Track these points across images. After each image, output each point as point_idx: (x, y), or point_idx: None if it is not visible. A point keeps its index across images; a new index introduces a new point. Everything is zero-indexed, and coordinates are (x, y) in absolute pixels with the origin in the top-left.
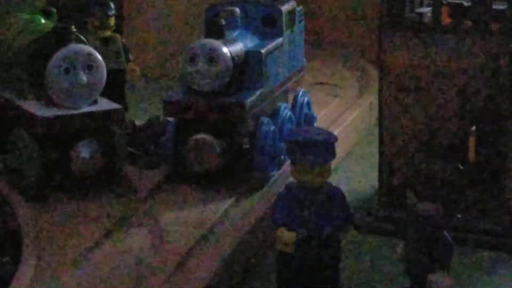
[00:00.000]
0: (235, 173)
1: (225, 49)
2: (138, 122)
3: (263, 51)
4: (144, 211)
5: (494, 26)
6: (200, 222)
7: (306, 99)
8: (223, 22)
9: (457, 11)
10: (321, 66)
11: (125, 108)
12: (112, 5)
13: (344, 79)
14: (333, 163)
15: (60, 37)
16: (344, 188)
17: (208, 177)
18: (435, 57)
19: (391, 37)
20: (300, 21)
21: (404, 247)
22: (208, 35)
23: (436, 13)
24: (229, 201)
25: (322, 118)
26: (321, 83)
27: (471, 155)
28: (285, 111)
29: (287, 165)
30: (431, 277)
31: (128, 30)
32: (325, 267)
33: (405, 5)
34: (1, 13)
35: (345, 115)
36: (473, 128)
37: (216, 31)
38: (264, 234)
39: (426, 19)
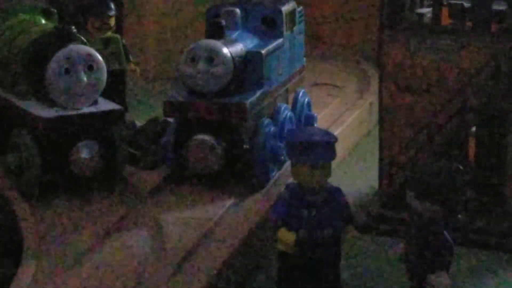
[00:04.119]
0: (236, 173)
1: (225, 50)
2: (138, 123)
3: (263, 51)
4: (144, 211)
5: (494, 27)
6: (200, 222)
7: (306, 99)
8: (223, 22)
9: (457, 12)
10: (321, 67)
11: (125, 109)
12: (112, 6)
13: (344, 79)
14: (333, 163)
15: (60, 38)
16: (344, 188)
17: (208, 178)
18: (435, 57)
19: (391, 37)
20: (300, 22)
21: (404, 247)
22: (209, 35)
23: (436, 14)
24: (229, 201)
25: (322, 118)
26: (321, 84)
27: (471, 155)
28: (286, 111)
29: (287, 165)
30: (431, 277)
31: (128, 30)
32: (325, 267)
33: (405, 6)
34: (1, 14)
35: (345, 116)
36: (473, 128)
37: (216, 31)
38: (264, 235)
39: (426, 20)
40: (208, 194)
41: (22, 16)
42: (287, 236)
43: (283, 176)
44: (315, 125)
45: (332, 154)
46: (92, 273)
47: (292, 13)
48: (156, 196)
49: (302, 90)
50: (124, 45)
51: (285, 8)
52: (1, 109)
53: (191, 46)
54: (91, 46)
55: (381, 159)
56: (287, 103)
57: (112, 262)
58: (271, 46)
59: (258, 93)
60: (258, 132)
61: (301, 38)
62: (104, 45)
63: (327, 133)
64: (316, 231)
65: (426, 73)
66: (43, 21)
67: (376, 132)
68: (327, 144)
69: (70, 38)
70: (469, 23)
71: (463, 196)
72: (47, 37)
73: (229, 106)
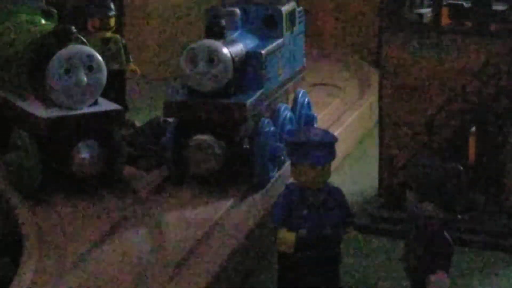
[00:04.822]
0: (236, 173)
1: (225, 50)
2: (138, 123)
3: (263, 52)
4: (144, 211)
5: (494, 27)
6: (200, 222)
7: (306, 99)
8: (223, 23)
9: (457, 12)
10: (321, 67)
11: (125, 109)
12: (112, 6)
13: (344, 80)
14: (333, 163)
15: (60, 38)
16: (344, 188)
17: (208, 178)
18: (435, 57)
19: (391, 37)
20: (300, 22)
21: (404, 247)
22: (209, 35)
23: (436, 14)
24: (229, 202)
25: (322, 118)
26: (321, 84)
27: (471, 155)
28: (285, 111)
29: (287, 166)
30: (431, 277)
31: (128, 31)
32: (325, 267)
33: (405, 6)
34: (2, 14)
35: (345, 116)
36: (473, 128)
37: (216, 32)
38: (264, 234)
39: (426, 20)
40: (208, 194)
41: (22, 16)
42: (287, 236)
43: (283, 176)
44: (315, 125)
45: (332, 154)
46: (92, 273)
47: (292, 13)
48: (156, 196)
49: (302, 90)
50: (124, 45)
51: (285, 8)
52: (1, 109)
53: (191, 46)
54: (91, 46)
55: (381, 159)
56: (287, 103)
57: (112, 262)
58: (271, 46)
59: (258, 93)
60: (258, 132)
61: (301, 38)
62: (104, 45)
63: (327, 133)
64: (316, 231)
65: (426, 73)
66: (43, 21)
67: (376, 132)
68: (327, 144)
69: (70, 38)
70: (469, 23)
71: (463, 196)
72: (47, 37)
73: (229, 106)
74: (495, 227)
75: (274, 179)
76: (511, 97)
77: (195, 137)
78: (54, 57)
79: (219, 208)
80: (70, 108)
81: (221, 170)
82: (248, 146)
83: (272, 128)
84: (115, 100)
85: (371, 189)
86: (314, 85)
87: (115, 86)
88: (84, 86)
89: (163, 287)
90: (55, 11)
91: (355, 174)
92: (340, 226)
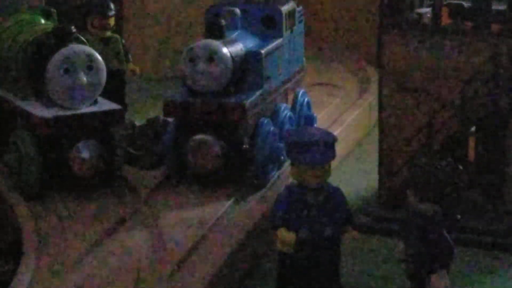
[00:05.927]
0: (236, 173)
1: (225, 50)
2: (138, 122)
3: (263, 51)
4: (144, 211)
5: (494, 27)
6: (200, 222)
7: (306, 99)
8: (223, 22)
9: (457, 12)
10: (321, 67)
11: (125, 108)
12: (112, 6)
13: (344, 79)
14: (333, 163)
15: (60, 38)
16: (344, 188)
17: (208, 178)
18: (435, 57)
19: (391, 37)
20: (300, 22)
21: (404, 247)
22: (208, 35)
23: (436, 14)
24: (229, 201)
25: (322, 118)
26: (321, 84)
27: (471, 155)
28: (285, 111)
29: (287, 165)
30: (431, 277)
31: (128, 31)
32: (325, 267)
33: (405, 5)
34: (1, 13)
35: (345, 116)
36: (473, 128)
37: (216, 31)
38: (264, 235)
39: (426, 20)
40: (208, 194)
41: (22, 16)
42: (287, 236)
43: (283, 176)
44: (315, 125)
45: (332, 154)
46: (92, 273)
47: (292, 13)
48: (156, 196)
49: (302, 90)
50: (123, 45)
51: (285, 8)
52: (1, 109)
53: (191, 46)
54: (91, 46)
55: (381, 159)
56: (287, 103)
57: (112, 262)
58: (271, 46)
59: (258, 93)
60: (258, 132)
61: (301, 38)
62: (104, 45)
63: (327, 132)
64: (316, 231)
65: (426, 73)
66: (43, 21)
67: (376, 132)
68: (327, 144)
69: (70, 38)
70: (469, 23)
71: (463, 196)
72: (47, 37)
73: (229, 106)
74: (495, 227)
75: (274, 179)
76: (511, 97)
77: (195, 137)
78: (54, 57)
79: (219, 208)
80: (70, 108)
81: (221, 170)
82: (248, 146)
83: (272, 128)
84: (115, 100)
85: (371, 189)
86: (314, 85)
87: (115, 86)
88: (84, 86)
89: (163, 287)
90: (55, 11)
91: (355, 174)
92: (340, 226)
